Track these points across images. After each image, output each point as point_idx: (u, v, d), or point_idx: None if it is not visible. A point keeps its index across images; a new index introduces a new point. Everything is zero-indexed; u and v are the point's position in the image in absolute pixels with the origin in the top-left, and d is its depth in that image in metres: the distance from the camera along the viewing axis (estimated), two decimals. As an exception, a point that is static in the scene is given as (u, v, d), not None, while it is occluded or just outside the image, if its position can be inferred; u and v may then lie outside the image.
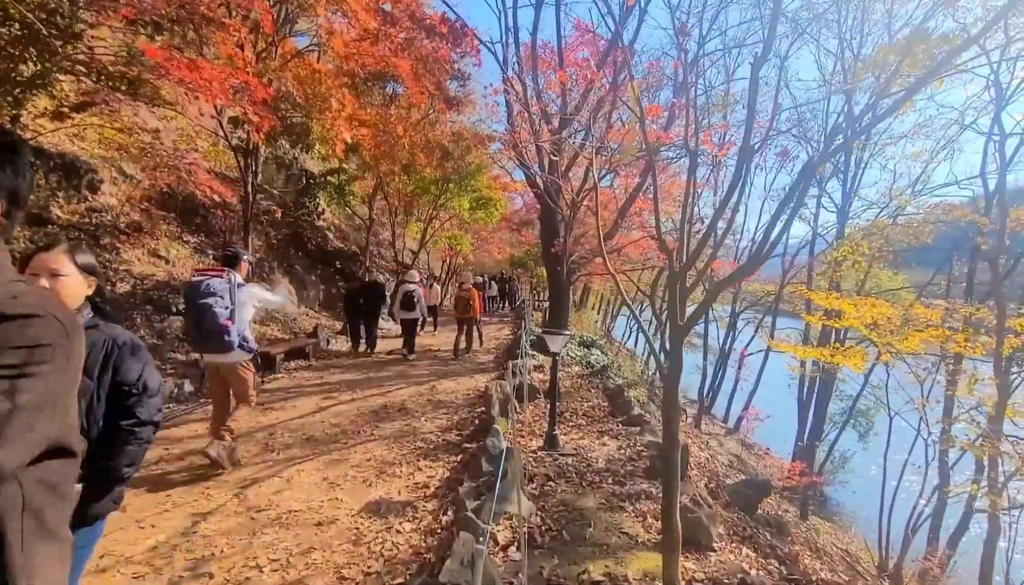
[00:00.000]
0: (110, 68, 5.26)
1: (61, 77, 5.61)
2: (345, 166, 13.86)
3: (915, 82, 2.00)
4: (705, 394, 18.61)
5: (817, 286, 15.16)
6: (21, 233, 6.52)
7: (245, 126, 5.48)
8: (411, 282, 8.99)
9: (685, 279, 2.60)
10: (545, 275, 15.59)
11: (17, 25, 4.76)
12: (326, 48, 7.42)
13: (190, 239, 9.57)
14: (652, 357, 24.76)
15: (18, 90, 5.27)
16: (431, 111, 12.89)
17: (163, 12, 4.33)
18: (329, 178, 14.56)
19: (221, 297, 3.76)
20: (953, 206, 11.39)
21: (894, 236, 11.77)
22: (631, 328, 35.75)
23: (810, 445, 13.90)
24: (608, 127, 7.53)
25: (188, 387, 6.12)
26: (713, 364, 20.81)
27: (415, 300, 8.74)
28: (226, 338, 3.74)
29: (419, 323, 9.34)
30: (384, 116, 11.17)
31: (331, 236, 16.41)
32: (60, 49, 4.50)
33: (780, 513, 7.34)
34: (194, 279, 3.81)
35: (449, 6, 15.15)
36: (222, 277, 3.83)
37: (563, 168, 7.84)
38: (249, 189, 7.17)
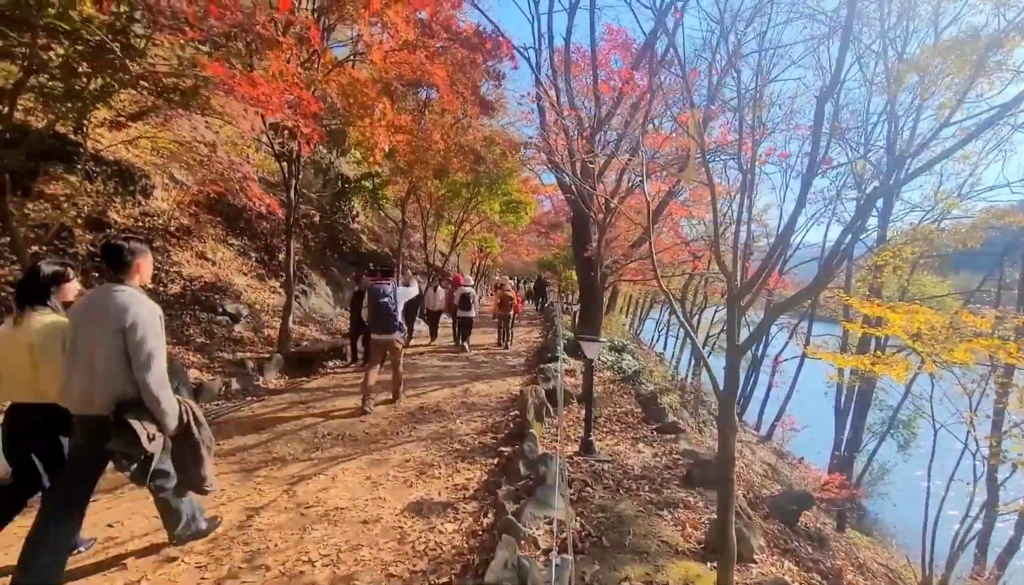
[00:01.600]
0: (164, 80, 5.56)
1: (119, 89, 5.95)
2: (379, 170, 14.17)
3: (984, 122, 1.96)
4: (737, 401, 18.24)
5: (856, 291, 14.68)
6: (83, 237, 6.93)
7: (296, 138, 5.68)
8: (468, 286, 11.18)
9: (741, 301, 2.59)
10: (575, 278, 15.59)
11: (86, 44, 5.07)
12: (365, 58, 7.62)
13: (234, 242, 9.96)
14: (688, 363, 24.37)
15: (82, 104, 5.61)
16: (464, 116, 13.05)
17: (224, 32, 4.55)
18: (363, 182, 14.95)
19: (391, 297, 6.00)
20: (1004, 211, 10.87)
21: (939, 241, 11.31)
22: (659, 332, 35.34)
23: (848, 456, 13.48)
24: (644, 132, 7.51)
25: (236, 385, 6.38)
26: (745, 370, 20.38)
27: (471, 300, 10.76)
28: (394, 323, 6.00)
29: (473, 321, 11.23)
30: (419, 121, 11.39)
31: (365, 239, 16.78)
32: (125, 65, 4.77)
33: (819, 526, 7.16)
34: (374, 285, 6.08)
35: (484, 13, 15.30)
36: (389, 284, 6.06)
37: (596, 172, 7.84)
38: (292, 195, 7.42)
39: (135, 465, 2.56)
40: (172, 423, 2.63)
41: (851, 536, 10.22)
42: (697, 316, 23.30)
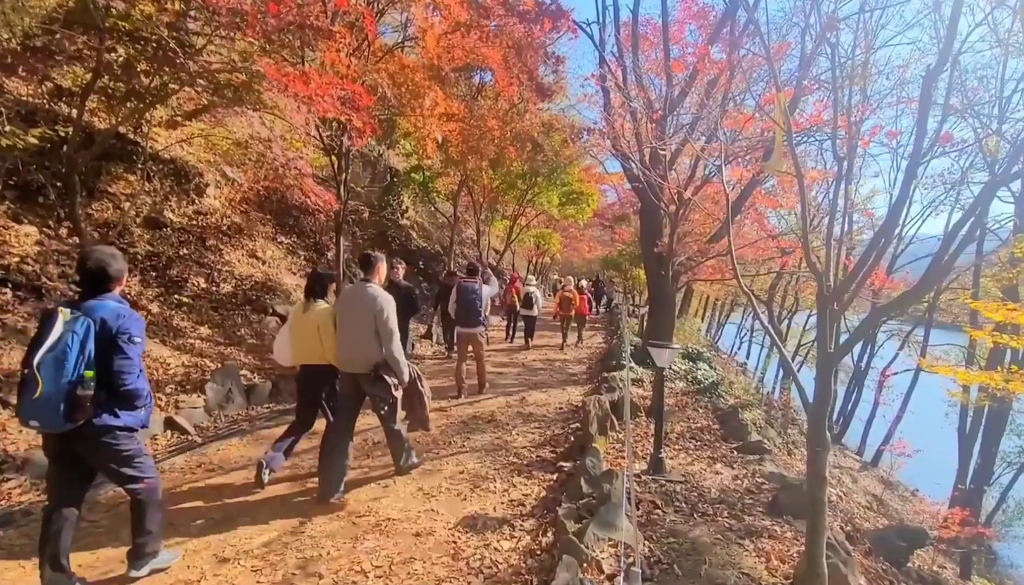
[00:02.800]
0: (219, 77, 6.04)
1: (176, 88, 6.52)
2: (430, 162, 14.57)
3: None
4: (835, 420, 17.25)
5: (986, 292, 13.48)
6: (141, 236, 7.65)
7: (347, 132, 6.01)
8: (531, 285, 12.54)
9: (835, 303, 2.50)
10: (643, 278, 15.34)
11: (146, 44, 5.62)
12: (416, 44, 7.91)
13: (283, 240, 10.61)
14: (775, 375, 23.36)
15: (142, 103, 6.21)
16: (520, 101, 13.19)
17: (280, 28, 4.91)
18: (413, 175, 15.41)
19: (478, 293, 7.21)
20: None
21: (1098, 231, 10.18)
22: (741, 338, 34.02)
23: (975, 489, 12.42)
24: (722, 113, 7.30)
25: (285, 388, 6.81)
26: (845, 384, 19.23)
27: (534, 300, 12.06)
28: (479, 318, 7.22)
29: (536, 318, 12.56)
30: (472, 108, 11.63)
31: (414, 235, 17.30)
32: (183, 63, 5.25)
33: (936, 569, 6.68)
34: (464, 283, 7.28)
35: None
36: (476, 281, 7.29)
37: (667, 159, 7.71)
38: (342, 190, 7.82)
39: (386, 407, 4.20)
40: (406, 378, 4.24)
41: (977, 584, 9.43)
42: (787, 321, 22.25)
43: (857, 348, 18.27)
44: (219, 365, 6.52)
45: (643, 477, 4.75)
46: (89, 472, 2.89)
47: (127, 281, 6.24)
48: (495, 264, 16.66)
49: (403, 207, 16.96)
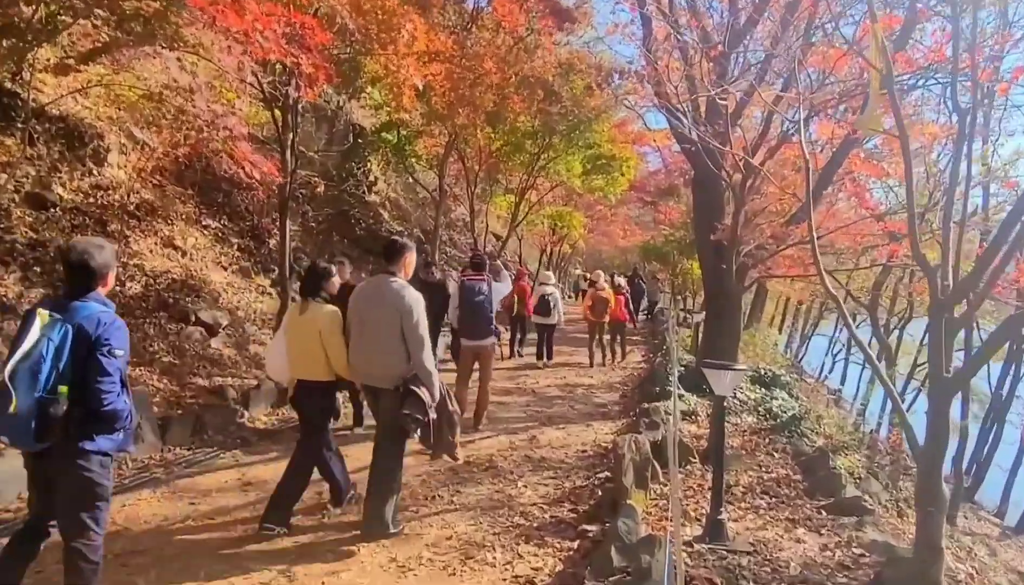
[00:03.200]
0: (123, 5, 6.11)
1: (68, 20, 6.60)
2: (406, 116, 14.61)
3: None
4: (965, 468, 17.09)
5: None
6: (22, 218, 7.76)
7: (296, 79, 6.05)
8: (547, 284, 12.83)
9: (953, 310, 2.49)
10: (698, 273, 15.32)
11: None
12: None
13: (210, 224, 10.72)
14: (881, 406, 23.21)
15: (21, 41, 6.31)
16: (529, 32, 13.22)
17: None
18: (384, 135, 15.45)
19: (487, 295, 7.35)
20: None
21: None
22: (834, 356, 33.89)
23: None
24: (805, 48, 7.30)
25: (212, 423, 6.87)
26: (980, 419, 19.06)
27: (552, 304, 12.31)
28: (490, 326, 7.44)
29: (555, 328, 12.93)
30: (464, 44, 11.69)
31: (386, 215, 17.44)
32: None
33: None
34: (467, 282, 7.52)
35: None
36: (483, 279, 7.43)
37: (730, 111, 7.71)
38: (288, 156, 7.91)
39: (420, 429, 4.44)
40: (436, 394, 4.50)
41: None
42: (896, 332, 22.11)
43: (994, 370, 18.13)
44: (124, 393, 6.58)
45: (696, 546, 4.75)
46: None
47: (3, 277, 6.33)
48: (494, 254, 16.69)
49: (371, 178, 17.08)
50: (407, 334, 4.36)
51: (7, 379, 2.72)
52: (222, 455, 6.39)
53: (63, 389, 2.81)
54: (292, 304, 4.90)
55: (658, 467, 5.92)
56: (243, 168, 6.65)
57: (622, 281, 16.17)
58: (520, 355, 13.25)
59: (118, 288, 8.13)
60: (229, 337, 8.96)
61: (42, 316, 2.85)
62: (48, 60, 7.87)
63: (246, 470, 5.99)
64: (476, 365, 7.68)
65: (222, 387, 7.68)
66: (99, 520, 3.12)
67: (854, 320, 22.67)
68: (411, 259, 4.65)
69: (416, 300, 4.43)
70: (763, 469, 6.84)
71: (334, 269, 5.12)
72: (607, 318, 12.93)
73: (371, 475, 4.60)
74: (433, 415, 4.46)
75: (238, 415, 7.36)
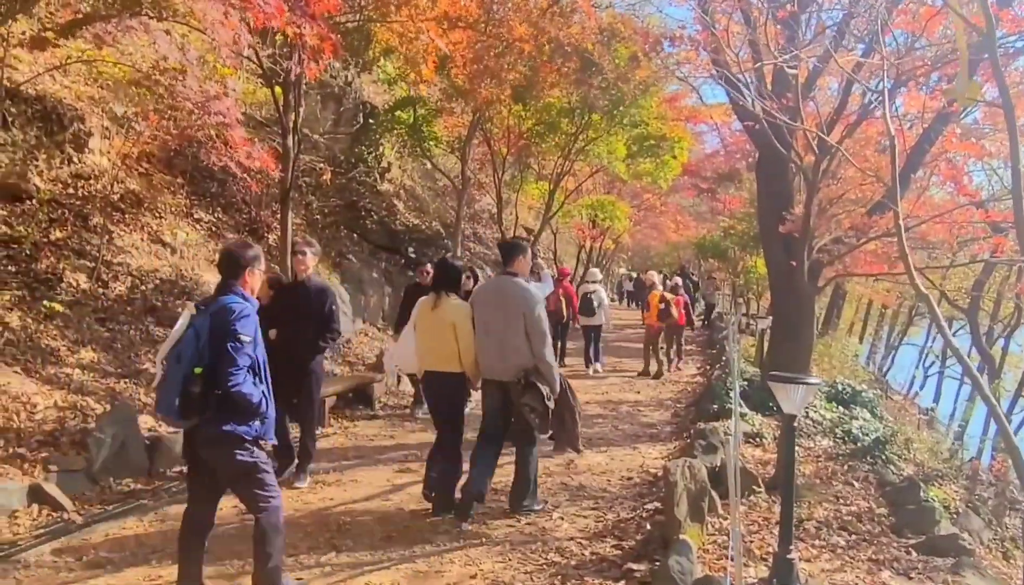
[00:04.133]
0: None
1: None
2: (424, 92, 14.72)
3: None
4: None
5: None
6: (-5, 212, 8.00)
7: (298, 52, 6.16)
8: (593, 281, 13.67)
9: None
10: (763, 271, 15.18)
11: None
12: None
13: (203, 216, 10.93)
14: (984, 428, 22.77)
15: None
16: (565, -11, 13.19)
17: None
18: (398, 114, 15.58)
19: None
20: None
21: None
22: (925, 369, 33.30)
23: None
24: (891, 5, 7.20)
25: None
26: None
27: (596, 304, 12.87)
28: None
29: (601, 329, 13.60)
30: (489, 8, 11.74)
31: (400, 206, 17.56)
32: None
33: None
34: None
35: None
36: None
37: (802, 83, 7.65)
38: (290, 141, 8.04)
39: (538, 419, 5.43)
40: (556, 387, 5.53)
41: None
42: (1000, 340, 21.64)
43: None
44: (108, 407, 6.75)
45: (762, 588, 4.74)
46: (215, 482, 4.02)
47: None
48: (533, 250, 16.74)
49: (383, 164, 17.19)
50: (530, 329, 5.38)
51: (160, 361, 3.73)
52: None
53: (198, 370, 3.56)
54: (422, 299, 5.83)
55: (716, 497, 5.86)
56: (235, 155, 6.74)
57: (679, 281, 16.17)
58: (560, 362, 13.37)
59: (100, 290, 8.35)
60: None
61: (190, 308, 3.85)
62: (23, 33, 8.09)
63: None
64: None
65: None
66: (265, 487, 3.92)
67: (950, 326, 22.27)
68: (527, 259, 5.73)
69: (537, 298, 5.59)
70: (841, 501, 6.75)
71: (465, 266, 6.54)
72: (666, 323, 13.13)
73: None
74: (551, 406, 5.43)
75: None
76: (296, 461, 6.54)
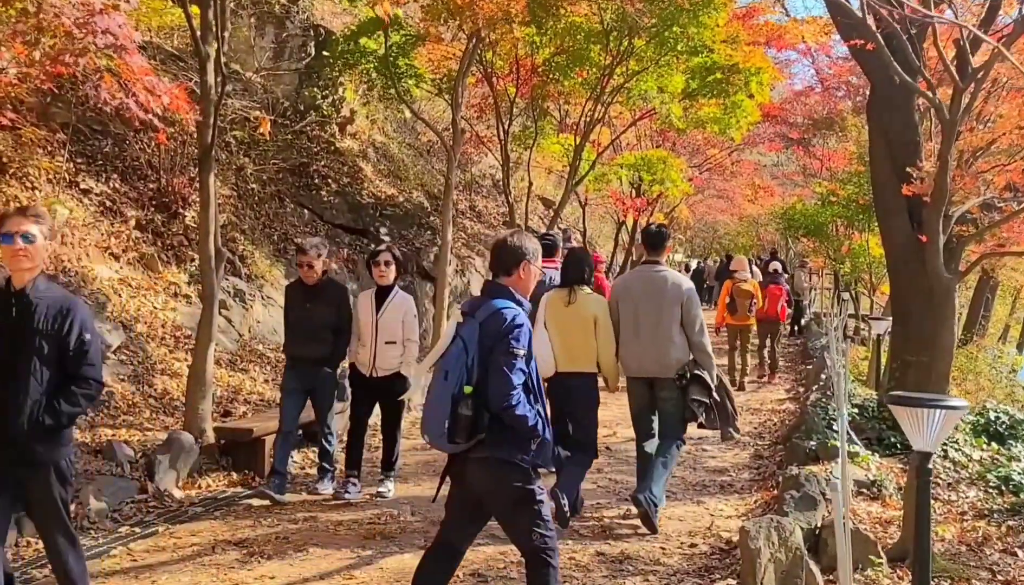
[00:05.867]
0: None
1: None
2: (398, 10, 14.51)
3: None
4: None
5: None
6: None
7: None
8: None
9: None
10: (878, 253, 15.00)
11: None
12: None
13: (92, 186, 10.81)
14: None
15: None
16: None
17: None
18: (365, 41, 15.37)
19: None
20: None
21: None
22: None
23: None
24: None
25: (97, 502, 6.87)
26: None
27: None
28: None
29: None
30: None
31: (368, 171, 17.47)
32: None
33: None
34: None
35: None
36: (556, 268, 8.31)
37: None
38: (211, 79, 7.86)
39: (706, 412, 6.88)
40: (714, 377, 7.00)
41: None
42: None
43: None
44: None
45: None
46: (480, 510, 4.41)
47: None
48: (569, 232, 16.62)
49: (344, 112, 17.09)
50: (687, 319, 6.82)
51: (425, 374, 4.43)
52: (112, 550, 6.36)
53: (467, 389, 3.92)
54: (551, 294, 6.94)
55: (816, 572, 5.77)
56: (136, 95, 6.59)
57: (778, 266, 16.18)
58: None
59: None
60: (123, 365, 9.00)
61: (457, 316, 4.37)
62: None
63: (145, 574, 5.98)
64: None
65: (112, 444, 7.67)
66: (542, 519, 4.18)
67: None
68: (669, 249, 6.97)
69: (691, 285, 7.02)
70: (998, 576, 6.66)
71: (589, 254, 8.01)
72: (753, 319, 13.52)
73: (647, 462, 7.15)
74: (717, 397, 6.90)
75: (139, 487, 7.42)
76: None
